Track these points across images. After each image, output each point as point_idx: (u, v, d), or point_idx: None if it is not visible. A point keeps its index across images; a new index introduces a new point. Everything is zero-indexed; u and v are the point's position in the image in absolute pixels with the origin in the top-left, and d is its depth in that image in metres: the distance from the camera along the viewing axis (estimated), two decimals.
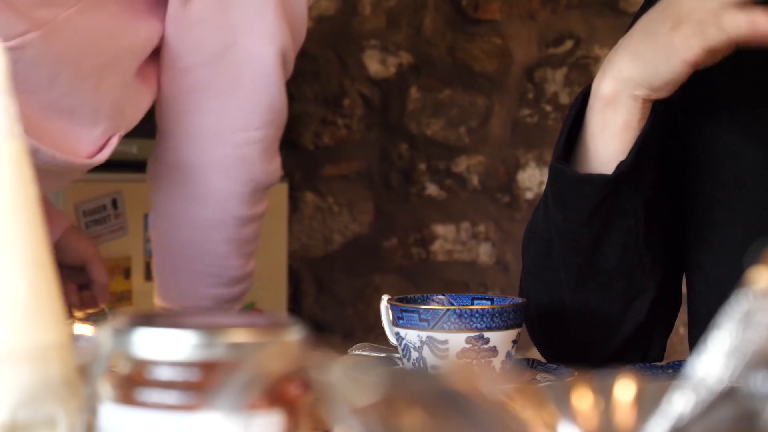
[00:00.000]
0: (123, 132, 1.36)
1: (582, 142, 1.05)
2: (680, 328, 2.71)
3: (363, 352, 1.10)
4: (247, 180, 1.38)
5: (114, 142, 1.34)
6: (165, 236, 1.46)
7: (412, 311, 0.98)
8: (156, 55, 1.35)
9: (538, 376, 1.01)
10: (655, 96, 1.01)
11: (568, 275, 1.09)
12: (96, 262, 1.60)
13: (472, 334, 0.96)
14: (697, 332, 1.16)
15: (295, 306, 3.11)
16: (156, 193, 1.46)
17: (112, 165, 2.48)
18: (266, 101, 1.36)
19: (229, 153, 1.36)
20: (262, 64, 1.34)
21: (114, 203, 2.41)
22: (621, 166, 1.02)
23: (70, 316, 1.58)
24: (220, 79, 1.34)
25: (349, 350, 1.11)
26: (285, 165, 1.53)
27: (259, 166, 1.38)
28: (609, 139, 1.03)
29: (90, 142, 1.31)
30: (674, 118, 1.13)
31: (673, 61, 0.97)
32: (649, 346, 1.15)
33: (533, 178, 2.97)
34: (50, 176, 1.28)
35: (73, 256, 1.59)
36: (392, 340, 1.03)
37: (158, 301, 1.49)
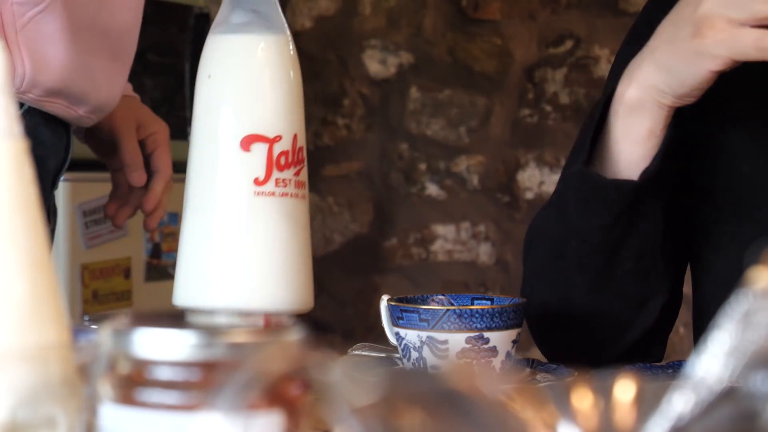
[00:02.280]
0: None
1: (603, 146, 1.05)
2: (680, 328, 2.71)
3: (363, 352, 1.10)
4: None
5: None
6: None
7: (412, 311, 0.98)
8: None
9: (538, 376, 1.01)
10: (680, 103, 1.02)
11: (584, 276, 1.09)
12: (125, 138, 1.45)
13: (472, 334, 0.96)
14: (704, 331, 1.16)
15: None
16: None
17: None
18: None
19: None
20: None
21: None
22: (647, 172, 1.03)
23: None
24: None
25: (349, 350, 1.11)
26: None
27: None
28: (632, 144, 1.04)
29: None
30: (684, 119, 1.13)
31: (697, 69, 0.98)
32: (651, 346, 1.15)
33: (533, 178, 2.97)
34: None
35: (102, 125, 1.45)
36: (392, 340, 1.03)
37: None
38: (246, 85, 1.00)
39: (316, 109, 3.16)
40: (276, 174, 0.98)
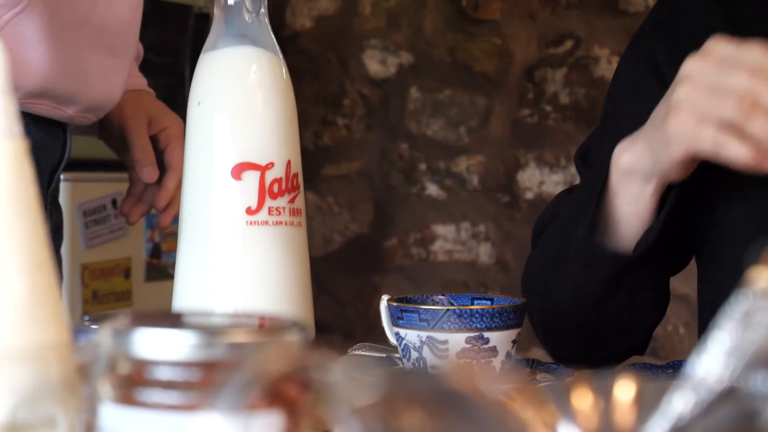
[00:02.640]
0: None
1: (606, 199, 1.07)
2: (680, 328, 2.70)
3: (363, 352, 1.10)
4: None
5: None
6: None
7: (412, 311, 0.98)
8: None
9: (538, 376, 1.01)
10: (668, 179, 1.03)
11: (576, 304, 1.11)
12: (135, 134, 1.43)
13: (472, 334, 0.96)
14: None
15: None
16: None
17: (112, 165, 2.49)
18: None
19: None
20: None
21: (114, 203, 2.41)
22: (640, 246, 1.05)
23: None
24: None
25: (349, 350, 1.11)
26: None
27: None
28: (628, 206, 1.06)
29: None
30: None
31: (667, 152, 0.99)
32: (638, 348, 1.18)
33: (533, 178, 2.97)
34: None
35: (111, 117, 1.43)
36: (392, 340, 1.03)
37: None
38: (235, 111, 0.98)
39: (316, 109, 3.16)
40: (269, 202, 0.97)
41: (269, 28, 1.00)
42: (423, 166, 3.06)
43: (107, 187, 2.41)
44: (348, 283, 3.14)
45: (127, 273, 2.44)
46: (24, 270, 0.55)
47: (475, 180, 3.03)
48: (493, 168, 3.01)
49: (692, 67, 0.94)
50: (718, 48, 0.93)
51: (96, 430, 0.51)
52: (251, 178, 0.97)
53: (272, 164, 0.97)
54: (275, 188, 0.97)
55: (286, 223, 0.98)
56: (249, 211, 0.97)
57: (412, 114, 3.08)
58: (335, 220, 3.13)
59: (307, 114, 3.13)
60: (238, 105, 0.98)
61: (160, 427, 0.49)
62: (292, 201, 0.98)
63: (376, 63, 3.10)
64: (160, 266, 2.49)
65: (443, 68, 3.05)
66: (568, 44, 2.95)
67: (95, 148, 2.52)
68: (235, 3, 0.99)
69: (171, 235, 2.51)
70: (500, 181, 3.01)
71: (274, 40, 1.00)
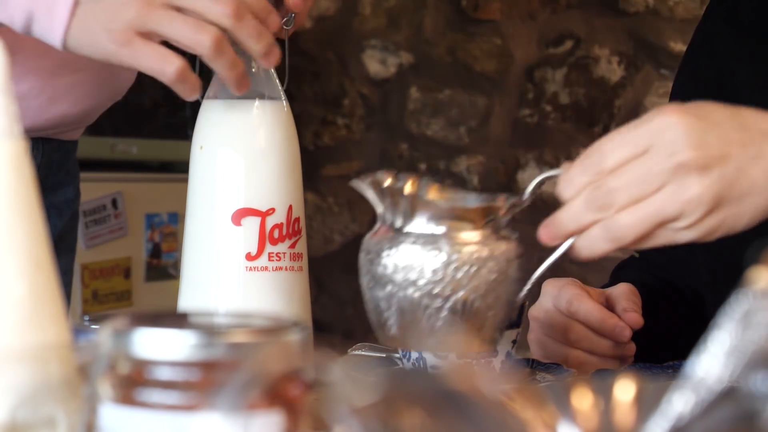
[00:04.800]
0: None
1: None
2: None
3: (363, 352, 1.09)
4: None
5: None
6: None
7: None
8: None
9: (538, 376, 1.01)
10: None
11: None
12: None
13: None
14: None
15: None
16: None
17: (112, 165, 2.49)
18: None
19: None
20: None
21: (114, 203, 2.41)
22: None
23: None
24: None
25: (349, 350, 1.10)
26: None
27: None
28: None
29: None
30: None
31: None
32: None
33: (533, 178, 2.97)
34: None
35: None
36: None
37: None
38: (236, 157, 0.98)
39: (316, 109, 3.16)
40: (269, 248, 0.96)
41: (274, 75, 1.00)
42: (423, 166, 3.06)
43: (107, 187, 2.41)
44: (348, 283, 3.14)
45: (127, 273, 2.44)
46: (24, 270, 0.55)
47: (475, 180, 3.03)
48: (493, 168, 3.01)
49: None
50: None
51: (96, 430, 0.51)
52: (251, 224, 0.96)
53: (273, 210, 0.97)
54: (276, 234, 0.97)
55: (286, 269, 0.97)
56: (249, 257, 0.96)
57: (412, 114, 3.08)
58: (335, 220, 3.14)
59: (307, 114, 3.13)
60: (239, 152, 0.98)
61: (160, 427, 0.49)
62: (292, 246, 0.97)
63: (376, 63, 3.10)
64: (160, 266, 2.49)
65: (443, 68, 3.05)
66: (568, 44, 2.95)
67: (95, 148, 2.51)
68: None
69: (171, 235, 2.51)
70: (500, 181, 3.01)
71: (279, 86, 1.00)
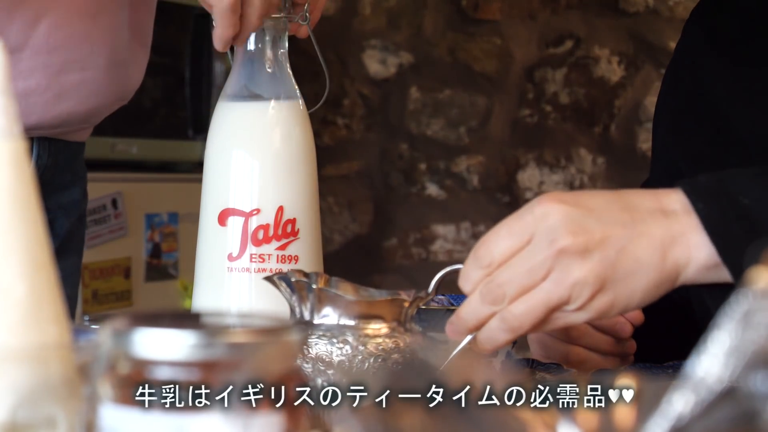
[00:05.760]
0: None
1: None
2: None
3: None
4: None
5: None
6: None
7: None
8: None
9: (538, 376, 1.01)
10: None
11: None
12: None
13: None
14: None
15: None
16: None
17: (112, 165, 2.49)
18: None
19: None
20: None
21: (114, 203, 2.41)
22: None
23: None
24: None
25: None
26: None
27: None
28: None
29: None
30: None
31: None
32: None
33: (533, 178, 2.97)
34: None
35: None
36: None
37: None
38: (228, 155, 0.98)
39: (316, 109, 3.16)
40: (252, 249, 0.95)
41: (289, 70, 1.00)
42: (423, 166, 3.06)
43: (107, 187, 2.41)
44: None
45: (127, 273, 2.44)
46: (24, 270, 0.55)
47: (475, 180, 3.03)
48: (493, 168, 3.01)
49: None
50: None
51: (96, 430, 0.51)
52: (235, 224, 0.96)
53: (258, 210, 0.96)
54: (260, 235, 0.96)
55: (271, 271, 0.96)
56: (230, 257, 0.96)
57: (412, 114, 3.08)
58: (335, 220, 3.14)
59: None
60: (233, 149, 0.98)
61: (160, 427, 0.49)
62: (282, 248, 0.97)
63: (376, 63, 3.10)
64: (160, 266, 2.49)
65: (443, 68, 3.05)
66: (568, 44, 2.95)
67: (95, 148, 2.52)
68: (256, 49, 0.98)
69: (171, 235, 2.51)
70: (500, 181, 3.01)
71: (294, 82, 1.00)
